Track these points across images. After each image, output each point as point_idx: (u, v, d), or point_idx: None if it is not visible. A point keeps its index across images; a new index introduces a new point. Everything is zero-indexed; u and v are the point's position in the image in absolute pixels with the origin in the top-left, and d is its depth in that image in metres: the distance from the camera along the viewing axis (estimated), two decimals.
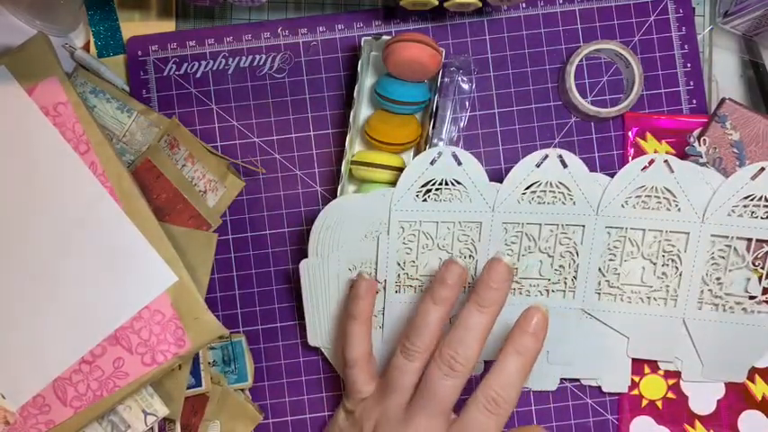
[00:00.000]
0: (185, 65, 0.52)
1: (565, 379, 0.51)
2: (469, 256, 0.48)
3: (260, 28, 0.53)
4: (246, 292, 0.52)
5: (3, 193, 0.48)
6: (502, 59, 0.53)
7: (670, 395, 0.51)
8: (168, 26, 0.53)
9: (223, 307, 0.53)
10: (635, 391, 0.51)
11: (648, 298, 0.48)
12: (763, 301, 0.48)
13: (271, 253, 0.52)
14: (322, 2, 0.53)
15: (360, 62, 0.49)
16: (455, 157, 0.47)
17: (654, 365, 0.51)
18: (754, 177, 0.46)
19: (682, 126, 0.51)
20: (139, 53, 0.52)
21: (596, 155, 0.52)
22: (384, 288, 0.49)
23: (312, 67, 0.53)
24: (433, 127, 0.50)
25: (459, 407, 0.41)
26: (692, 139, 0.50)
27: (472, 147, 0.52)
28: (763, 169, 0.46)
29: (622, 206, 0.47)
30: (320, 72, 0.53)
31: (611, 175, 0.47)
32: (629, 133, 0.52)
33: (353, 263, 0.49)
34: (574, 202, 0.47)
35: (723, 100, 0.50)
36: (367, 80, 0.52)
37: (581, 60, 0.51)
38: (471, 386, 0.40)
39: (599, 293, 0.48)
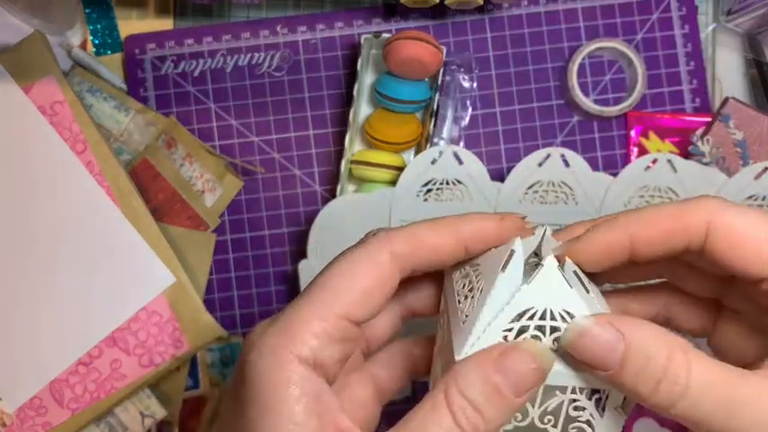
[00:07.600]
0: (183, 63, 0.52)
1: None
2: None
3: (258, 26, 0.52)
4: (245, 293, 0.52)
5: None
6: (503, 58, 0.52)
7: None
8: (166, 24, 0.53)
9: (221, 308, 0.52)
10: None
11: None
12: None
13: (270, 254, 0.52)
14: None
15: (359, 60, 0.48)
16: (456, 156, 0.47)
17: None
18: (757, 177, 0.46)
19: (685, 125, 0.51)
20: (137, 51, 0.52)
21: (599, 154, 0.52)
22: None
23: (311, 66, 0.52)
24: (434, 126, 0.49)
25: None
26: (695, 139, 0.50)
27: (473, 146, 0.52)
28: (766, 169, 0.46)
29: (625, 206, 0.47)
30: (319, 70, 0.52)
31: (614, 175, 0.47)
32: (632, 132, 0.52)
33: None
34: (576, 202, 0.47)
35: (726, 99, 0.49)
36: (367, 78, 0.51)
37: (583, 59, 0.51)
38: None
39: None
